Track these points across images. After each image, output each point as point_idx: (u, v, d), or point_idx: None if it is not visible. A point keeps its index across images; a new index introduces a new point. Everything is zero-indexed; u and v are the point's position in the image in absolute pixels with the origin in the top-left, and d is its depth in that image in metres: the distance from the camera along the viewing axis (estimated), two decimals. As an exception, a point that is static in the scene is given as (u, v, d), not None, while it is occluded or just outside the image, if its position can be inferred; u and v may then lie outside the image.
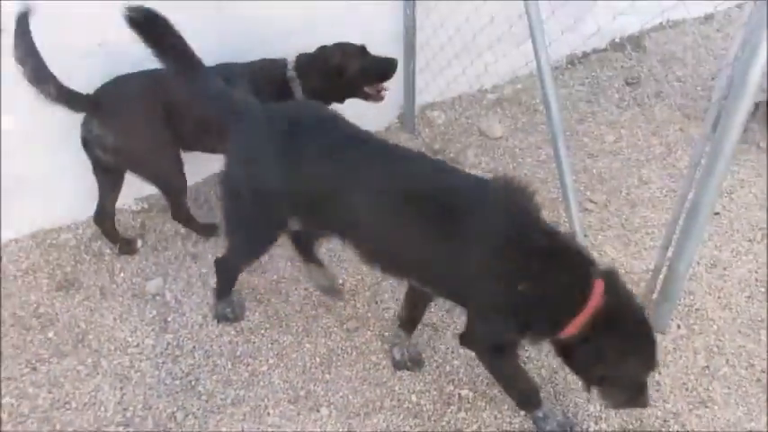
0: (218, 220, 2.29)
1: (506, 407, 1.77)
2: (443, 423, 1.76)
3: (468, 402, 1.80)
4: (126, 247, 2.26)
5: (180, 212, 2.22)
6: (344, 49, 2.14)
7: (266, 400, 1.83)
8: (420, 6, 2.59)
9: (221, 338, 2.00)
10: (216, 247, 2.26)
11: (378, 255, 1.60)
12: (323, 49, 2.16)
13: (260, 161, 1.61)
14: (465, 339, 1.65)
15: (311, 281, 2.11)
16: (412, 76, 2.75)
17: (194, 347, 1.98)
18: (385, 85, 2.22)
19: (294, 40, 2.26)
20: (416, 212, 1.46)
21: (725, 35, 3.47)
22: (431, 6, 2.65)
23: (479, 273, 1.42)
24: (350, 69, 2.11)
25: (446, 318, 2.05)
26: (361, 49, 2.17)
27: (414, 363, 1.87)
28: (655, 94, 3.06)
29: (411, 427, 1.75)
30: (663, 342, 1.92)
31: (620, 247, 2.30)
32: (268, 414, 1.79)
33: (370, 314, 2.07)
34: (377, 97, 2.23)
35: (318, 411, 1.79)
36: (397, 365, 1.87)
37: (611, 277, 1.45)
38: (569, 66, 3.23)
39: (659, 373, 1.83)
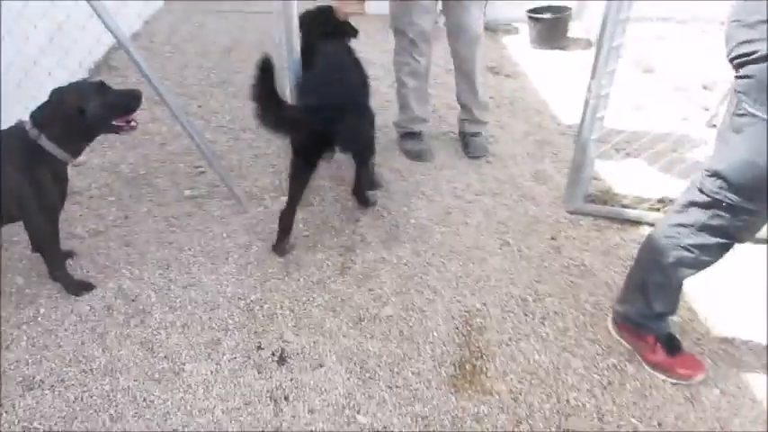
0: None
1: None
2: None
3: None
4: None
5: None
6: (80, 89, 2.14)
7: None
8: None
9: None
10: None
11: None
12: (56, 93, 2.11)
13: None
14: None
15: None
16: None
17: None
18: (134, 116, 2.26)
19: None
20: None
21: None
22: None
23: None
24: (90, 108, 2.11)
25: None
26: (99, 86, 2.19)
27: None
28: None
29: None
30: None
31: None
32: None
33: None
34: (128, 129, 2.27)
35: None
36: None
37: None
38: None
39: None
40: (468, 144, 3.43)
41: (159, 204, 2.95)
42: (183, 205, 2.95)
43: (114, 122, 2.23)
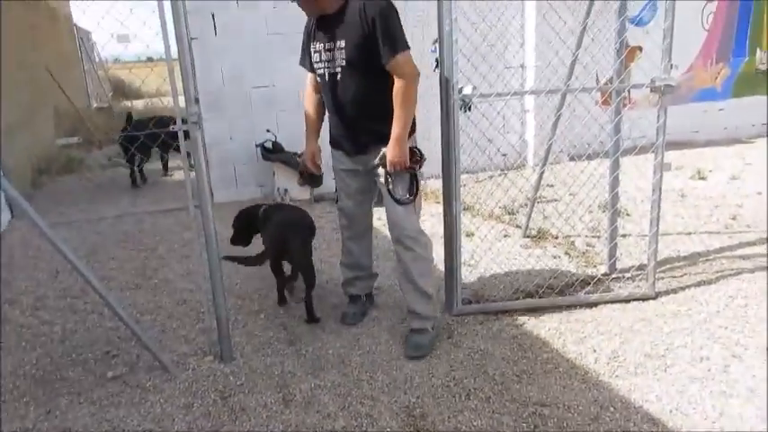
0: None
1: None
2: None
3: None
4: None
5: None
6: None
7: None
8: None
9: None
10: None
11: None
12: None
13: None
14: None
15: None
16: None
17: None
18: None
19: None
20: None
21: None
22: None
23: None
24: None
25: None
26: None
27: None
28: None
29: None
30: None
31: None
32: None
33: None
34: None
35: None
36: None
37: None
38: None
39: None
40: (408, 341, 3.33)
41: (80, 393, 2.96)
42: (108, 387, 2.99)
43: None
